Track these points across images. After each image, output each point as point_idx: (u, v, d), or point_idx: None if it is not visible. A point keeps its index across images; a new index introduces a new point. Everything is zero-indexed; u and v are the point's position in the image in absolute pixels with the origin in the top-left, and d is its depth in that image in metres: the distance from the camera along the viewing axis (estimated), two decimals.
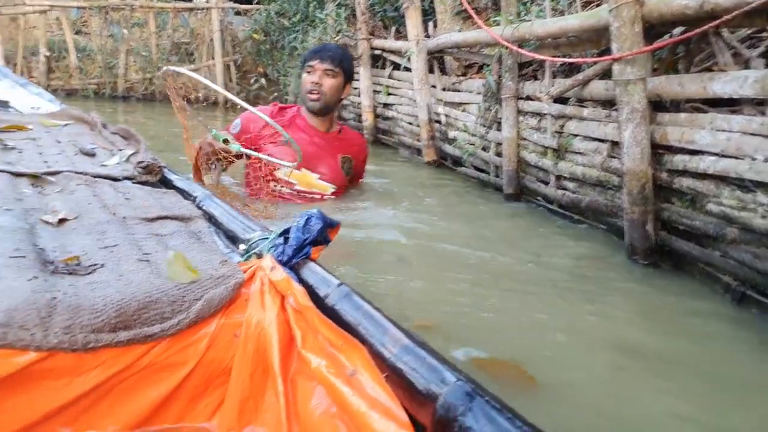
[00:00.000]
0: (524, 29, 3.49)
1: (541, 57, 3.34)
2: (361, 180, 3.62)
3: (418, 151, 5.42)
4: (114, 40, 10.55)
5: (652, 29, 2.67)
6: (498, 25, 3.79)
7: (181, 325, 1.03)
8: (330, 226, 1.35)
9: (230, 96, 2.38)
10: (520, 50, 3.50)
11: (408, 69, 5.69)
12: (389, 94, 6.30)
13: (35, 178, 1.77)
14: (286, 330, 1.10)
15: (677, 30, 2.67)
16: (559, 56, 3.39)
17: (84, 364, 0.99)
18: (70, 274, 1.12)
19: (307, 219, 1.32)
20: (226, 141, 2.61)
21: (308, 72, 3.11)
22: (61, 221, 1.43)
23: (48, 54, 10.38)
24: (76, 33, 10.81)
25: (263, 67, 10.74)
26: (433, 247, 2.75)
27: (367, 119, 6.56)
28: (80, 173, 1.87)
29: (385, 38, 6.42)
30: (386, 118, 6.40)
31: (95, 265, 1.17)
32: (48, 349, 0.95)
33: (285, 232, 1.33)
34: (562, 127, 3.36)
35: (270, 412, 1.11)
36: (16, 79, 4.27)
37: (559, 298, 2.25)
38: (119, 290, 1.05)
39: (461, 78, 4.82)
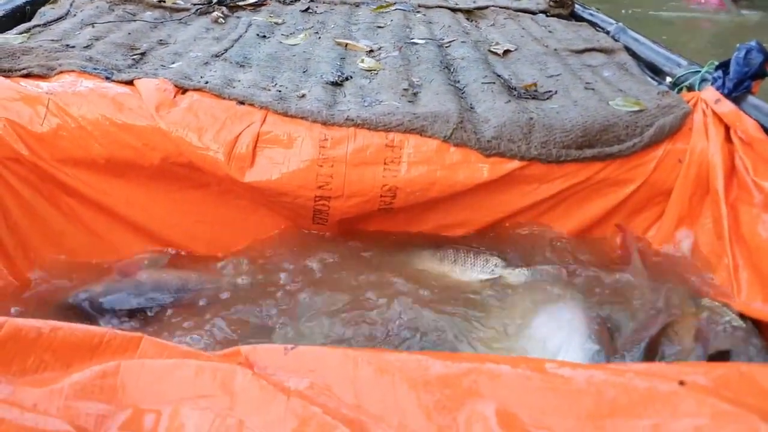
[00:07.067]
0: None
1: None
2: None
3: None
4: None
5: None
6: None
7: (636, 147, 1.17)
8: None
9: None
10: None
11: None
12: None
13: (469, 13, 2.01)
14: (728, 159, 1.17)
15: None
16: None
17: (551, 174, 1.20)
18: (533, 98, 1.32)
19: (747, 51, 1.31)
20: None
21: None
22: (505, 52, 1.63)
23: None
24: None
25: None
26: None
27: None
28: (503, 7, 2.06)
29: None
30: None
31: (550, 91, 1.35)
32: (529, 159, 1.17)
33: (722, 65, 1.35)
34: None
35: (704, 232, 1.23)
36: None
37: None
38: (580, 114, 1.22)
39: None
